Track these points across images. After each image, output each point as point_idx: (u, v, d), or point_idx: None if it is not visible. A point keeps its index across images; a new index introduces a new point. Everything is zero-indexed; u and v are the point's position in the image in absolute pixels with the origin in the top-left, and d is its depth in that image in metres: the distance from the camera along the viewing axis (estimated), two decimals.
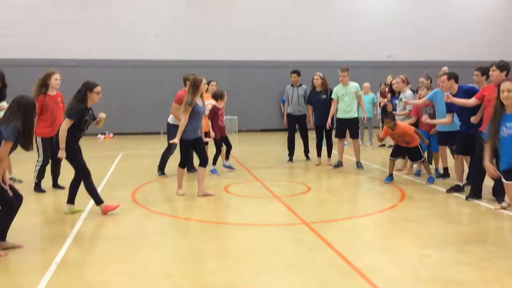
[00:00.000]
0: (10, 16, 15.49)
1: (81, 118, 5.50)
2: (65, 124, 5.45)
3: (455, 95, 6.49)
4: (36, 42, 15.54)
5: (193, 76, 6.64)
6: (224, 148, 8.54)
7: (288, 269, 3.99)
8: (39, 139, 6.80)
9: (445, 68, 7.68)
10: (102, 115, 5.88)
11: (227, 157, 8.68)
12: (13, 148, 4.35)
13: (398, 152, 7.65)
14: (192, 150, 6.90)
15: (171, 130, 7.78)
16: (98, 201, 5.72)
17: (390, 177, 7.60)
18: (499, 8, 19.02)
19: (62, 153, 5.48)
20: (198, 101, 6.49)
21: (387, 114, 7.57)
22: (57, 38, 15.71)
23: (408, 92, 8.16)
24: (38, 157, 6.94)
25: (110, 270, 4.00)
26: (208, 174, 8.05)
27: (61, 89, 7.23)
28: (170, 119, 8.10)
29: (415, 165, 8.24)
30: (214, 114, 8.15)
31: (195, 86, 6.38)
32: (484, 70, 6.43)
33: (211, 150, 8.42)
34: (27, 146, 4.46)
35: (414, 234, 4.93)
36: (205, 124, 8.81)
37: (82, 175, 5.65)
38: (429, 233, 5.01)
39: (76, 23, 15.88)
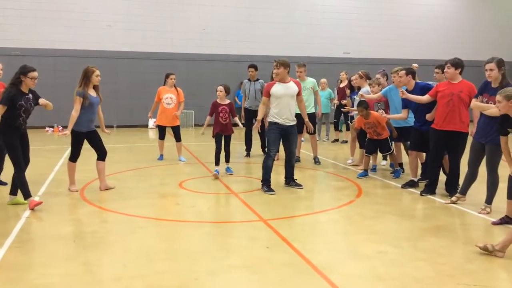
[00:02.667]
0: None
1: (15, 103, 5.33)
2: None
3: (411, 92, 6.55)
4: None
5: (87, 66, 6.42)
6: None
7: (245, 268, 3.85)
8: None
9: (415, 65, 7.70)
10: (43, 101, 5.66)
11: (226, 160, 7.96)
12: None
13: (372, 147, 7.68)
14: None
15: None
16: (26, 195, 5.50)
17: (365, 172, 7.64)
18: (454, 7, 19.62)
19: None
20: (91, 92, 6.35)
21: (360, 102, 7.56)
22: (1, 26, 14.84)
23: (365, 88, 8.21)
24: None
25: (54, 272, 3.72)
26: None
27: (5, 80, 6.76)
28: None
29: (370, 161, 8.33)
30: (214, 108, 7.66)
31: (86, 77, 6.28)
32: (444, 68, 6.51)
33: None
34: None
35: (370, 230, 4.92)
36: (171, 115, 8.81)
37: (16, 167, 5.46)
38: (385, 229, 5.03)
39: (23, 10, 15.05)
